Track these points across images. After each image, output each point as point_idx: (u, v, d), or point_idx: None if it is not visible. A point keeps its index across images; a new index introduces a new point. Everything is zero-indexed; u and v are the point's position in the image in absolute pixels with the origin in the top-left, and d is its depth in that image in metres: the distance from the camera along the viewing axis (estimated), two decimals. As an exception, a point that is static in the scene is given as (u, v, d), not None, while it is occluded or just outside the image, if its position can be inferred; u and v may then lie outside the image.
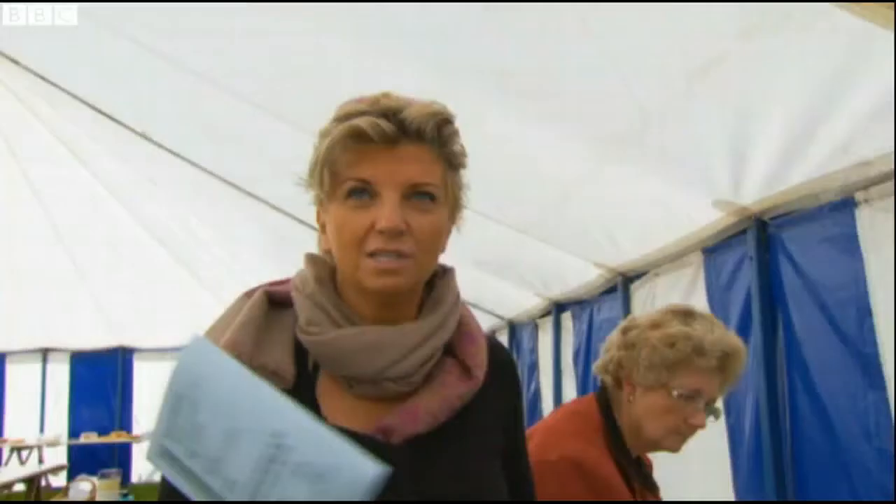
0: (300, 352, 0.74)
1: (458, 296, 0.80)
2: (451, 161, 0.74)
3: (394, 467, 0.66)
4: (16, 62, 3.39)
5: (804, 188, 1.60)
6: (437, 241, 0.73)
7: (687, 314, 1.20)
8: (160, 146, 3.53)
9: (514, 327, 4.85)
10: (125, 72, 2.84)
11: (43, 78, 3.44)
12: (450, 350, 0.77)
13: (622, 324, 1.27)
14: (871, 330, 1.43)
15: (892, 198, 1.37)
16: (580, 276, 3.07)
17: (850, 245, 1.49)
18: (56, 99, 3.62)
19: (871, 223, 1.44)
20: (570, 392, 3.61)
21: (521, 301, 4.13)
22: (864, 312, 1.45)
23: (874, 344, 1.43)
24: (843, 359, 1.50)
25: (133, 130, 3.48)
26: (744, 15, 1.19)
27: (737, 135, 1.58)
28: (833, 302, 1.57)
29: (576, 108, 1.79)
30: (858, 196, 1.46)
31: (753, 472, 1.84)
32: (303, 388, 0.72)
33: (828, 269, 1.60)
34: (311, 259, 0.79)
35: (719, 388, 1.17)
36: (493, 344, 0.84)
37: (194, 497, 0.57)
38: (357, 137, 0.68)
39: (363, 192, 0.69)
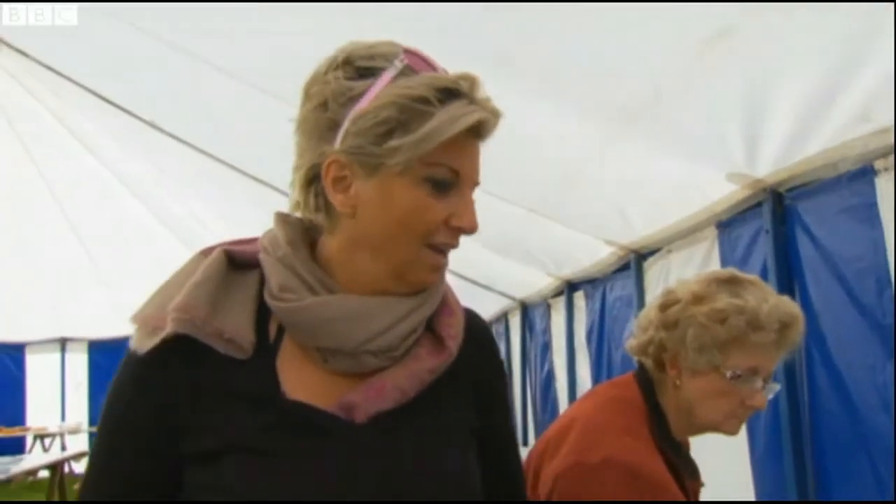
0: (261, 318, 0.68)
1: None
2: None
3: (356, 448, 0.62)
4: (24, 54, 3.41)
5: (821, 158, 1.58)
6: None
7: (733, 281, 1.04)
8: (168, 134, 3.55)
9: (525, 308, 4.87)
10: (131, 60, 2.84)
11: (51, 69, 3.46)
12: (426, 323, 0.73)
13: (659, 299, 1.10)
14: (891, 300, 1.42)
15: (912, 165, 1.36)
16: (592, 254, 3.08)
17: (869, 214, 1.47)
18: (63, 89, 3.64)
19: (890, 192, 1.42)
20: (583, 372, 3.63)
21: (533, 281, 4.14)
22: (884, 283, 1.44)
23: (893, 315, 1.41)
24: (862, 330, 1.49)
25: (141, 119, 3.50)
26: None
27: (751, 106, 1.56)
28: (851, 273, 1.56)
29: (585, 85, 1.77)
30: (878, 164, 1.44)
31: (770, 444, 1.85)
32: (261, 358, 0.66)
33: (846, 240, 1.59)
34: (283, 219, 0.72)
35: (776, 360, 1.04)
36: (470, 315, 0.79)
37: None
38: (470, 128, 0.64)
39: (447, 184, 0.65)
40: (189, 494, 0.63)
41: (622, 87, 1.71)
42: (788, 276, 1.77)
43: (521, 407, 5.10)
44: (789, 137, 1.59)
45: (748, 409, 1.03)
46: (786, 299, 1.03)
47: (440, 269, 0.68)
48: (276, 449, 0.62)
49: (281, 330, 0.68)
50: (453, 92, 0.64)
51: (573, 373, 3.77)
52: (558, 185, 2.52)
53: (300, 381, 0.65)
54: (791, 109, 1.49)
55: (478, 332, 0.79)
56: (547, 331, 4.32)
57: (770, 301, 1.00)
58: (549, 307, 4.26)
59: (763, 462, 1.92)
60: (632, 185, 2.28)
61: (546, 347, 4.34)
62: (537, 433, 4.65)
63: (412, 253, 0.65)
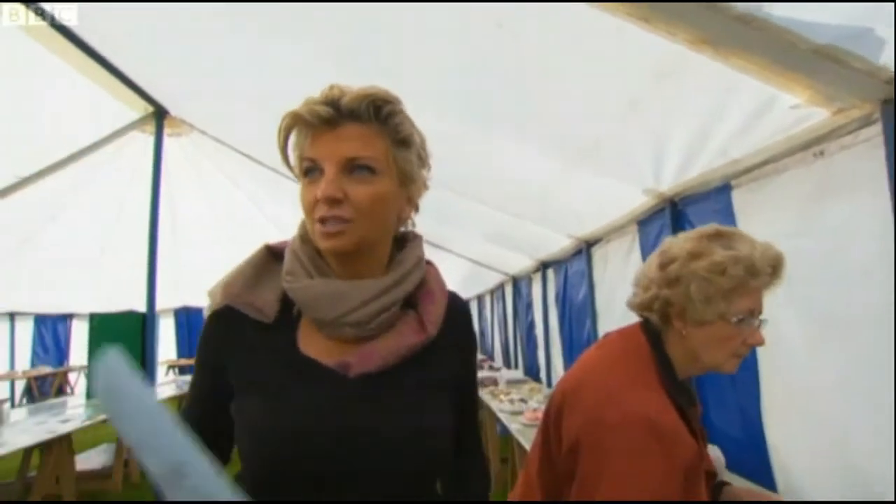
0: (289, 297, 0.61)
1: (419, 259, 0.64)
2: (395, 138, 0.58)
3: (345, 395, 0.57)
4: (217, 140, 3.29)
5: (699, 179, 1.63)
6: (378, 207, 0.57)
7: (721, 235, 0.79)
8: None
9: (515, 280, 4.87)
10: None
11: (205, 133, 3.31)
12: (413, 304, 0.63)
13: (657, 259, 0.82)
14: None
15: (755, 182, 1.41)
16: (558, 243, 3.10)
17: (728, 214, 1.52)
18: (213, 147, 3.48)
19: (741, 200, 1.48)
20: (553, 322, 3.61)
21: (520, 262, 4.15)
22: (738, 257, 1.52)
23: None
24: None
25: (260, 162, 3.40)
26: (655, 64, 1.13)
27: (657, 147, 1.60)
28: (718, 252, 1.62)
29: (554, 135, 1.77)
30: (733, 183, 1.50)
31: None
32: (284, 326, 0.61)
33: (716, 231, 1.66)
34: (303, 222, 0.64)
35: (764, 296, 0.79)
36: (453, 298, 0.67)
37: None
38: (303, 123, 0.56)
39: (314, 170, 0.56)
40: (234, 413, 0.59)
41: (577, 136, 1.71)
42: (681, 255, 1.83)
43: (512, 344, 5.06)
44: (680, 166, 1.63)
45: (748, 347, 0.78)
46: (768, 244, 0.78)
47: (331, 235, 0.55)
48: (288, 387, 0.57)
49: None
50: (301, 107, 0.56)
51: (546, 322, 3.79)
52: (536, 199, 2.51)
53: (312, 344, 0.60)
54: (680, 150, 1.53)
55: (458, 312, 0.67)
56: (529, 294, 4.32)
57: (758, 248, 0.76)
58: (530, 279, 4.26)
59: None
60: (583, 198, 2.28)
61: (529, 306, 4.34)
62: (523, 361, 4.62)
63: (311, 230, 0.58)
